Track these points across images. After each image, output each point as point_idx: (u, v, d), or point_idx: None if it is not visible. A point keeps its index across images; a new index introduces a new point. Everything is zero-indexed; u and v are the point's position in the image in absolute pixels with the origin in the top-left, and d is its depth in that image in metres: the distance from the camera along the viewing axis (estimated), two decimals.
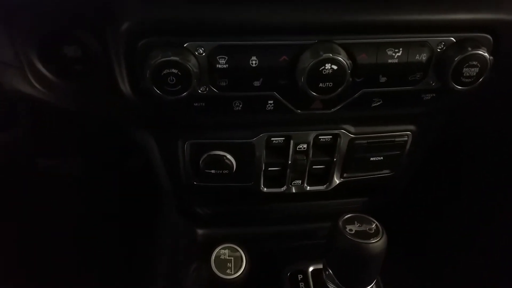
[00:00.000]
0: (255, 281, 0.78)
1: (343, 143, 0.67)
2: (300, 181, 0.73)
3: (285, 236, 0.88)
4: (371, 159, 0.70)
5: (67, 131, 0.90)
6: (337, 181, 0.74)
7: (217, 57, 0.51)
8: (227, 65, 0.52)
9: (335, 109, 0.59)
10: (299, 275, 0.78)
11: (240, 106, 0.57)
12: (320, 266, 0.79)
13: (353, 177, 0.74)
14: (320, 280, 0.73)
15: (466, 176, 0.93)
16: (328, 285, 0.65)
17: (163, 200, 1.06)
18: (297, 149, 0.67)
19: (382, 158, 0.70)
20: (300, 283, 0.77)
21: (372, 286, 0.63)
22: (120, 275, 1.05)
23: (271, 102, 0.56)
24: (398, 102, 0.59)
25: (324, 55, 0.49)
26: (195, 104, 0.56)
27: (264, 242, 0.86)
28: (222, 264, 0.65)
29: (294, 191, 0.74)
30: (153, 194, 1.05)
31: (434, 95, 0.58)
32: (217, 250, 0.66)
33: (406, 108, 0.61)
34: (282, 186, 0.73)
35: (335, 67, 0.50)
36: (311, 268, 0.79)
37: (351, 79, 0.52)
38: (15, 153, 1.01)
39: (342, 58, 0.50)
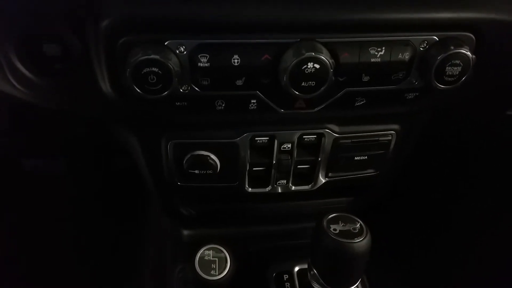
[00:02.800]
0: (240, 281, 0.77)
1: (327, 142, 0.67)
2: (285, 181, 0.72)
3: (271, 236, 0.88)
4: (356, 158, 0.70)
5: (50, 130, 0.89)
6: (322, 180, 0.73)
7: (199, 56, 0.51)
8: (208, 64, 0.51)
9: (318, 108, 0.58)
10: (284, 275, 0.78)
11: (223, 105, 0.56)
12: (306, 266, 0.79)
13: (338, 177, 0.74)
14: (306, 279, 0.73)
15: (452, 175, 0.94)
16: (313, 285, 0.65)
17: (148, 201, 1.05)
18: (282, 148, 0.67)
19: (366, 157, 0.70)
20: (286, 283, 0.77)
21: (356, 286, 0.64)
22: (106, 277, 1.04)
23: (254, 101, 0.56)
24: (381, 101, 0.59)
25: (307, 53, 0.49)
26: (177, 104, 0.55)
27: (250, 243, 0.86)
28: (206, 265, 0.64)
29: (279, 191, 0.74)
30: (138, 195, 1.04)
31: (417, 94, 0.59)
32: (201, 251, 0.65)
33: (390, 108, 0.61)
34: (267, 186, 0.73)
35: (317, 66, 0.49)
36: (296, 268, 0.78)
37: (334, 78, 0.52)
38: None
39: (324, 57, 0.49)
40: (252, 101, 0.56)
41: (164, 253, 0.94)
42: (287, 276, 0.78)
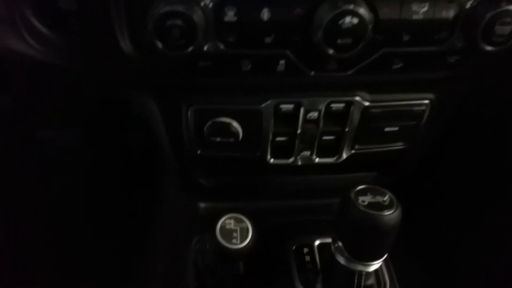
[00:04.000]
0: (259, 254, 0.76)
1: (356, 111, 0.63)
2: (308, 153, 0.69)
3: (291, 211, 0.86)
4: (386, 129, 0.66)
5: (65, 97, 0.87)
6: (347, 153, 0.70)
7: (225, 9, 0.47)
8: (235, 18, 0.47)
9: (352, 70, 0.54)
10: (304, 249, 0.76)
11: (249, 66, 0.52)
12: (327, 240, 0.76)
13: (364, 149, 0.70)
14: (326, 253, 0.71)
15: (488, 152, 0.89)
16: (337, 258, 0.62)
17: (164, 174, 1.04)
18: (307, 117, 0.63)
19: (397, 128, 0.66)
20: (306, 257, 0.75)
21: (382, 260, 0.61)
22: (121, 250, 1.04)
23: (283, 62, 0.52)
24: (420, 64, 0.54)
25: (344, 7, 0.45)
26: (201, 64, 0.52)
27: (269, 217, 0.83)
28: (227, 234, 0.62)
29: (302, 163, 0.71)
30: (154, 168, 1.02)
31: (460, 57, 0.54)
32: (222, 220, 0.63)
33: (428, 72, 0.57)
34: (290, 158, 0.70)
35: (355, 20, 0.45)
36: (317, 242, 0.76)
37: (372, 35, 0.48)
38: (11, 123, 0.97)
39: (363, 11, 0.45)
40: (280, 61, 0.52)
41: (181, 227, 0.93)
42: (307, 249, 0.75)
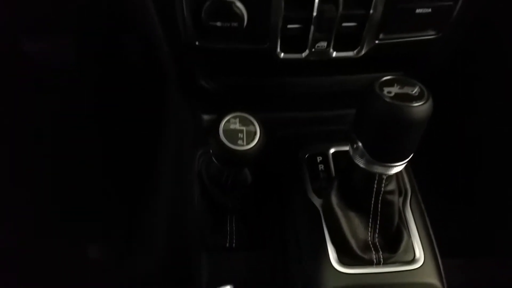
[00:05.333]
0: (269, 163, 0.70)
1: None
2: (325, 44, 0.59)
3: (303, 122, 0.79)
4: (417, 11, 0.56)
5: None
6: (370, 44, 0.60)
7: None
8: None
9: None
10: (318, 157, 0.70)
11: None
12: (342, 148, 0.70)
13: (390, 40, 0.60)
14: (342, 162, 0.64)
15: None
16: (356, 161, 0.56)
17: (166, 88, 0.96)
18: None
19: (430, 10, 0.56)
20: (320, 165, 0.69)
21: (406, 162, 0.55)
22: (124, 169, 1.00)
23: None
24: None
25: None
26: None
27: (280, 127, 0.77)
28: (232, 135, 0.55)
29: (317, 58, 0.61)
30: (156, 79, 0.94)
31: None
32: (225, 119, 0.55)
33: None
34: (303, 51, 0.60)
35: None
36: (332, 150, 0.70)
37: None
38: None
39: None
40: None
41: (185, 139, 0.88)
42: (321, 158, 0.69)
